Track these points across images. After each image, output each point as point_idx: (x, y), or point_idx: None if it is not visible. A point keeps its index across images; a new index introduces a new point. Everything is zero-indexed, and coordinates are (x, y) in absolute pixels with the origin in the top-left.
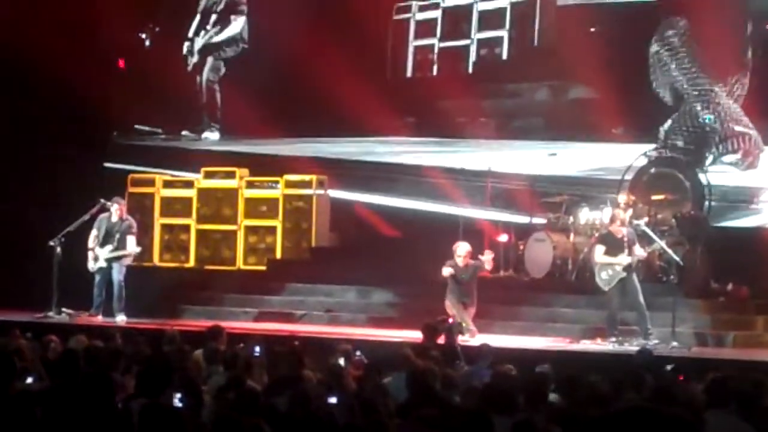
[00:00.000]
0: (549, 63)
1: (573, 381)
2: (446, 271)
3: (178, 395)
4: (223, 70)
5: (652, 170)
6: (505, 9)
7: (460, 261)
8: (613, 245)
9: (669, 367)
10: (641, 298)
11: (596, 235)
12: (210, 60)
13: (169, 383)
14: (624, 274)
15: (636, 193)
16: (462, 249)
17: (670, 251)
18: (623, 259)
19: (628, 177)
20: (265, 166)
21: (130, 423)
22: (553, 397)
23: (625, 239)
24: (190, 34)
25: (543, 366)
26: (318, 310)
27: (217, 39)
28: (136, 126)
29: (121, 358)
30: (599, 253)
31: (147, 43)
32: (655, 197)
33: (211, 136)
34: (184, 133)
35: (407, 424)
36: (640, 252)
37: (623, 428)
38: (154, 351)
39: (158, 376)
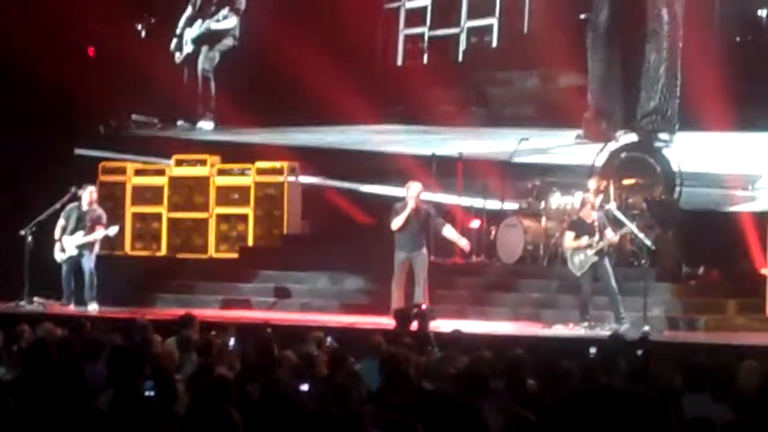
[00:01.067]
0: (539, 51)
1: (546, 366)
2: (396, 223)
3: (150, 384)
4: (217, 60)
5: (623, 155)
6: None
7: (411, 203)
8: (583, 230)
9: (639, 352)
10: (613, 283)
11: (567, 219)
12: (204, 50)
13: (141, 372)
14: (596, 259)
15: (607, 177)
16: (413, 189)
17: (641, 235)
18: (593, 244)
19: (599, 162)
20: (246, 155)
21: (102, 413)
22: (529, 383)
23: (596, 224)
24: (179, 29)
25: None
26: (292, 297)
27: (213, 29)
28: (133, 116)
29: (93, 347)
30: (568, 239)
31: (143, 34)
32: (626, 182)
33: (206, 125)
34: (179, 122)
35: (380, 411)
36: (610, 235)
37: (592, 408)
38: (126, 340)
39: (129, 366)
